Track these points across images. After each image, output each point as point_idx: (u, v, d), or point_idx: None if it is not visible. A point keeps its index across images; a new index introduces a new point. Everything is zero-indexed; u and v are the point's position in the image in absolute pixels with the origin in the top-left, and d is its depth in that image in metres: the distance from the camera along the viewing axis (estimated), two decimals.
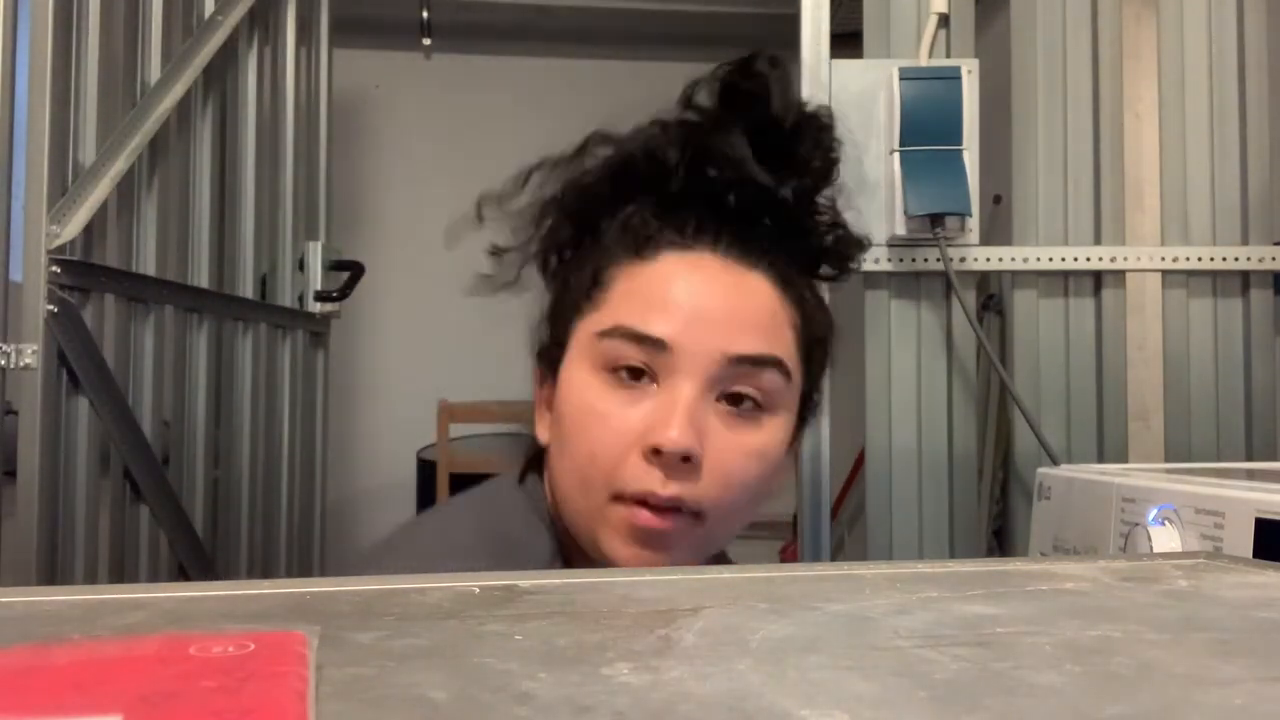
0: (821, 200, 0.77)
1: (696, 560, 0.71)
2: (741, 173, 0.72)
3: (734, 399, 0.69)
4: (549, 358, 0.76)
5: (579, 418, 0.69)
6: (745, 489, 0.69)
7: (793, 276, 0.74)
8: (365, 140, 3.56)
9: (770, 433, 0.70)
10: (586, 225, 0.76)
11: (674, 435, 0.65)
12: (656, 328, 0.68)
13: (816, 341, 0.76)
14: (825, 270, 0.79)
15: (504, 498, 0.77)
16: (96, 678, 0.28)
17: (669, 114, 0.77)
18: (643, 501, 0.66)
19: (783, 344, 0.71)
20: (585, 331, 0.71)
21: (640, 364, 0.68)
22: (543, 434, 0.76)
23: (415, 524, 0.81)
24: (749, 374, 0.69)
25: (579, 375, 0.70)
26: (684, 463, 0.66)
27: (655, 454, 0.66)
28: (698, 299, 0.69)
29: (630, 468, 0.67)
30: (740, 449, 0.69)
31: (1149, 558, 0.55)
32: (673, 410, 0.66)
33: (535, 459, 0.79)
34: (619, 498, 0.67)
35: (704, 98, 0.76)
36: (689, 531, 0.68)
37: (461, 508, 0.79)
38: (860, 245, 0.80)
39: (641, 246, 0.72)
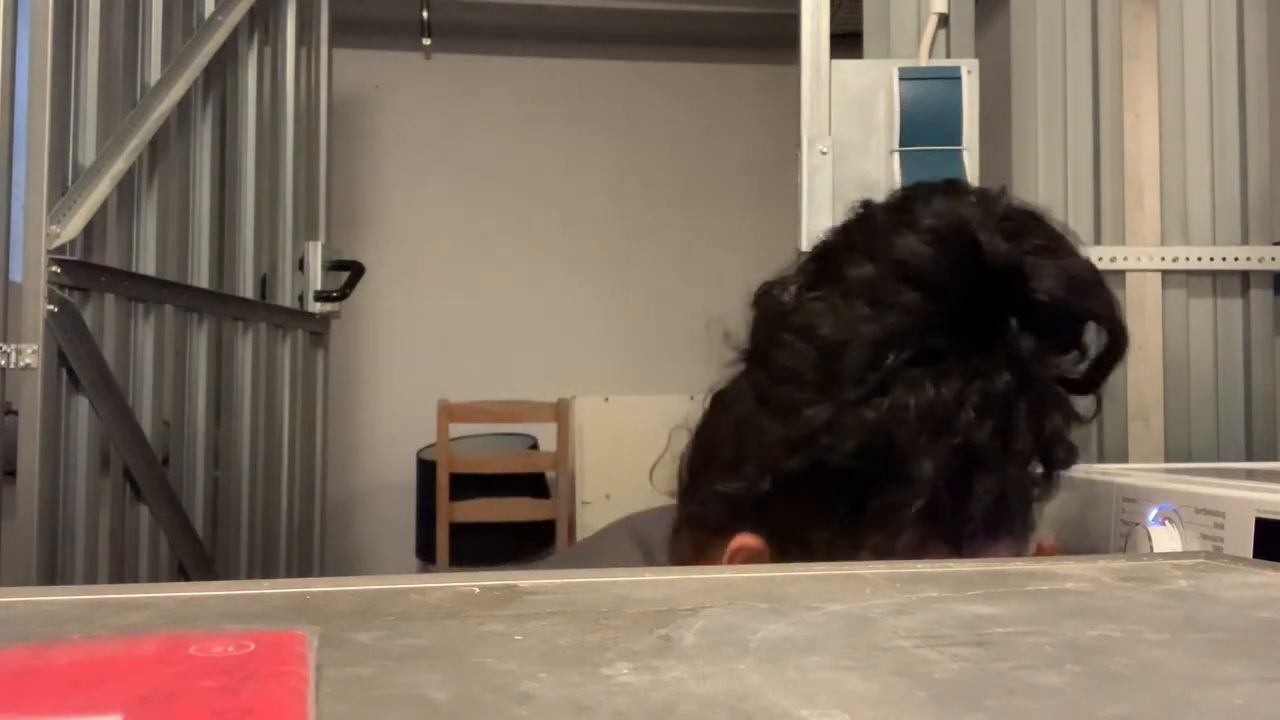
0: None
1: None
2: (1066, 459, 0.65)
3: None
4: (785, 534, 0.65)
5: None
6: None
7: None
8: (365, 140, 3.56)
9: None
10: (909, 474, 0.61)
11: None
12: None
13: None
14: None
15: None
16: (96, 678, 0.28)
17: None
18: None
19: None
20: None
21: None
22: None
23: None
24: None
25: None
26: None
27: None
28: None
29: None
30: None
31: (1149, 558, 0.54)
32: None
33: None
34: None
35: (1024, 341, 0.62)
36: None
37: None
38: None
39: (964, 548, 0.63)
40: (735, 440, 0.66)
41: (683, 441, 0.72)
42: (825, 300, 0.64)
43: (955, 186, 0.68)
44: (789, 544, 0.65)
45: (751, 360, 0.68)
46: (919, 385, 0.60)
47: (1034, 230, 0.65)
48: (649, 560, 0.73)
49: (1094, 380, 0.67)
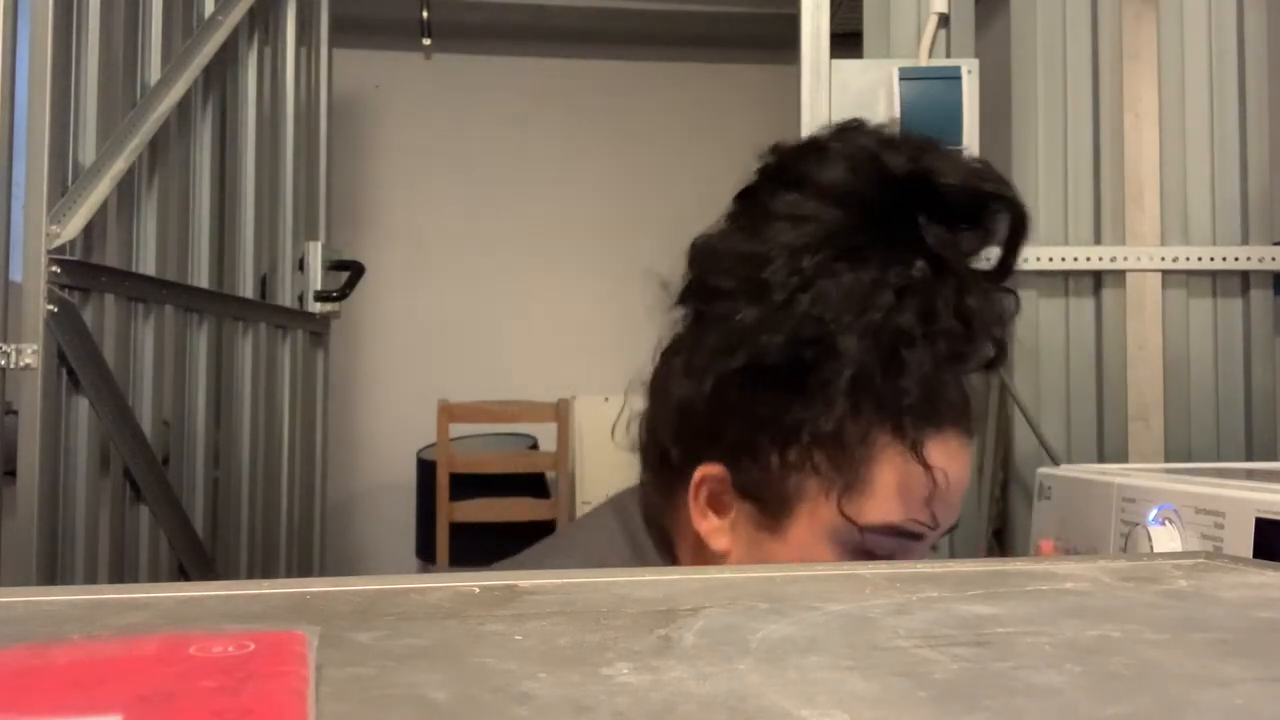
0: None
1: None
2: (1001, 328, 0.68)
3: None
4: (751, 481, 0.69)
5: None
6: None
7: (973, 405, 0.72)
8: (365, 140, 3.56)
9: None
10: (827, 357, 0.66)
11: None
12: (925, 523, 0.68)
13: None
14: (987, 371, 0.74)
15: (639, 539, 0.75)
16: (96, 678, 0.28)
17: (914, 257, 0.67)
18: None
19: None
20: (835, 508, 0.66)
21: None
22: (716, 540, 0.71)
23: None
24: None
25: (822, 547, 0.68)
26: None
27: None
28: (953, 486, 0.68)
29: None
30: None
31: (1149, 558, 0.55)
32: None
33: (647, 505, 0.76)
34: None
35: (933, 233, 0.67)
36: None
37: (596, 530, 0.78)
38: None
39: (908, 427, 0.66)
40: (682, 367, 0.71)
41: (640, 401, 0.76)
42: (748, 227, 0.71)
43: (855, 122, 0.73)
44: (743, 459, 0.69)
45: (688, 298, 0.73)
46: (839, 275, 0.66)
47: (928, 143, 0.71)
48: (626, 532, 0.75)
49: (1005, 263, 0.72)
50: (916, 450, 0.66)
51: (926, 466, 0.66)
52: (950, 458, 0.68)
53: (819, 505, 0.67)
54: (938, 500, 0.67)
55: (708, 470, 0.70)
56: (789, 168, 0.72)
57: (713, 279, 0.70)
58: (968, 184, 0.69)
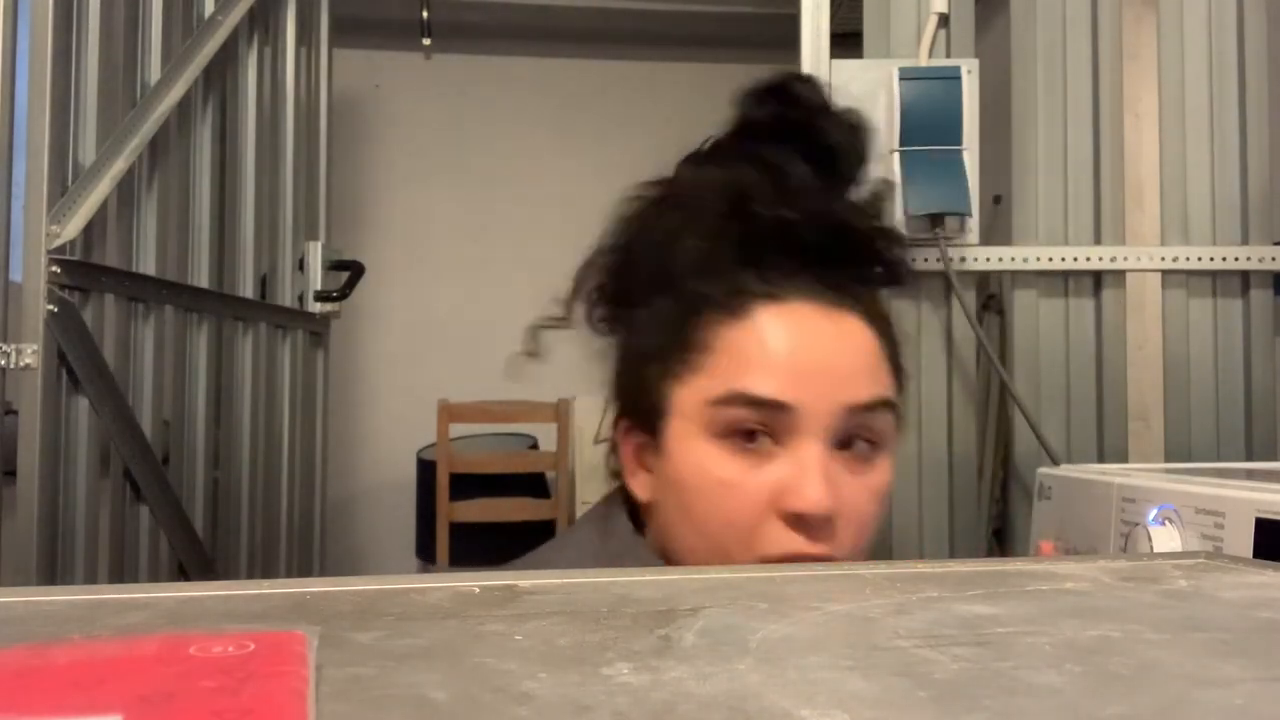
0: (878, 213, 0.77)
1: None
2: (819, 208, 0.71)
3: (847, 442, 0.69)
4: (640, 415, 0.74)
5: (705, 488, 0.68)
6: (872, 529, 0.70)
7: (871, 304, 0.74)
8: (365, 140, 3.56)
9: (885, 471, 0.71)
10: (660, 278, 0.73)
11: (816, 499, 0.65)
12: (775, 390, 0.67)
13: (899, 362, 0.75)
14: (890, 285, 0.78)
15: (618, 540, 0.76)
16: (96, 678, 0.28)
17: (718, 150, 0.76)
18: (788, 562, 0.66)
19: (886, 382, 0.71)
20: (692, 398, 0.69)
21: (757, 425, 0.67)
22: (642, 492, 0.74)
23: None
24: (865, 419, 0.69)
25: (696, 445, 0.69)
26: (824, 521, 0.66)
27: (797, 518, 0.66)
28: (808, 354, 0.68)
29: (770, 532, 0.67)
30: (866, 494, 0.69)
31: (1149, 558, 0.54)
32: (806, 473, 0.66)
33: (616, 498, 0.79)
34: (762, 560, 0.67)
35: (760, 134, 0.75)
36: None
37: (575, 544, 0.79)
38: (903, 242, 0.79)
39: (734, 303, 0.70)
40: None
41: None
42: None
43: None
44: (632, 400, 0.75)
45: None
46: (665, 209, 0.77)
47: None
48: (603, 532, 0.77)
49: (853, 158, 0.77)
50: (738, 318, 0.69)
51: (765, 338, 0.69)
52: (793, 325, 0.69)
53: (681, 404, 0.70)
54: (780, 366, 0.68)
55: (623, 429, 0.76)
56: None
57: (634, 227, 0.80)
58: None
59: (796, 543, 0.66)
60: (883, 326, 0.73)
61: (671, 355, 0.71)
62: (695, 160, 0.78)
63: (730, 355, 0.69)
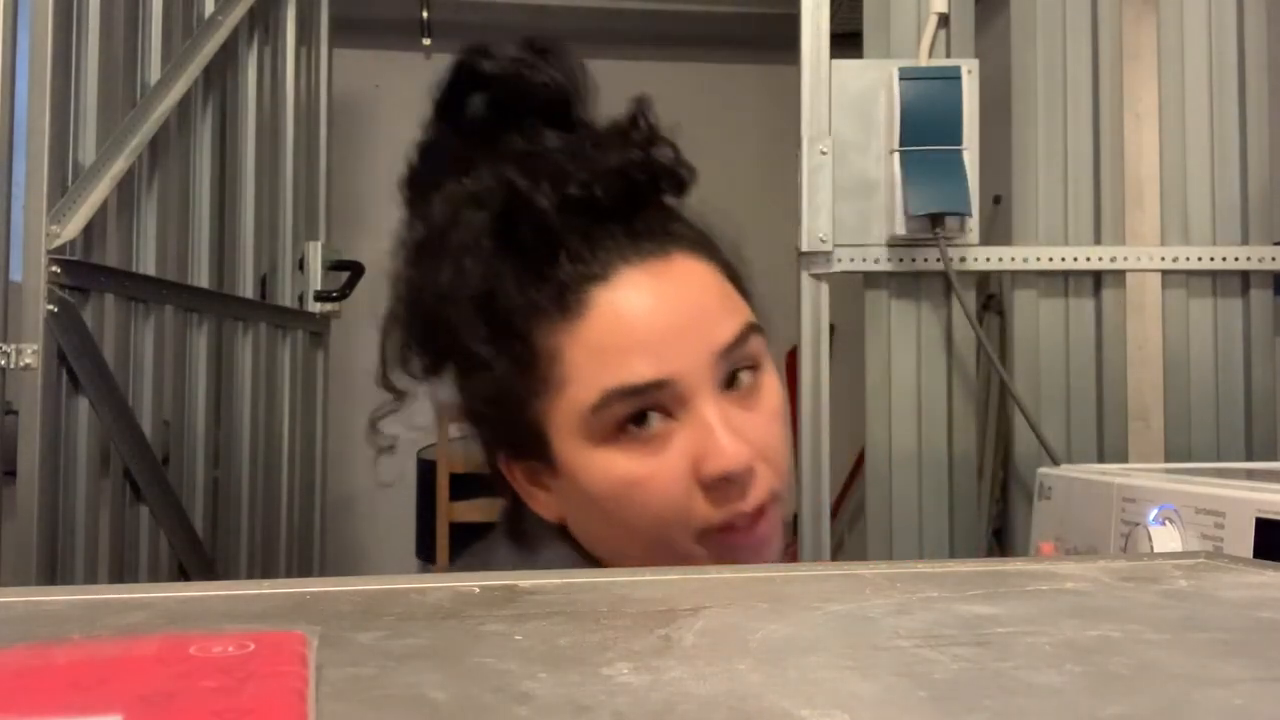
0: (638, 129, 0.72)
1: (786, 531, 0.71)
2: (592, 168, 0.67)
3: (731, 379, 0.67)
4: (517, 446, 0.70)
5: (620, 493, 0.65)
6: (788, 445, 0.69)
7: (687, 231, 0.71)
8: (365, 140, 3.56)
9: (773, 388, 0.69)
10: (470, 315, 0.67)
11: (732, 455, 0.63)
12: (645, 373, 0.63)
13: (737, 267, 0.73)
14: (680, 192, 0.73)
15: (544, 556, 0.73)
16: (96, 678, 0.28)
17: (455, 167, 0.71)
18: (731, 525, 0.65)
19: (739, 305, 0.69)
20: (566, 412, 0.65)
21: (643, 409, 0.64)
22: (549, 513, 0.71)
23: None
24: (739, 352, 0.66)
25: (593, 457, 0.65)
26: (749, 472, 0.65)
27: (722, 481, 0.64)
28: (660, 319, 0.65)
29: (701, 505, 0.65)
30: (768, 419, 0.67)
31: (1149, 558, 0.55)
32: (711, 433, 0.64)
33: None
34: (702, 535, 0.65)
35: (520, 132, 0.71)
36: (778, 516, 0.67)
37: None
38: (669, 142, 0.72)
39: (561, 301, 0.65)
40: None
41: None
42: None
43: None
44: (495, 430, 0.72)
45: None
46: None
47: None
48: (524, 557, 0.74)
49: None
50: (575, 314, 0.65)
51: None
52: (632, 297, 0.65)
53: (559, 424, 0.66)
54: (639, 344, 0.64)
55: (503, 461, 0.72)
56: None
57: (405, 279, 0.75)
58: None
59: (731, 505, 0.64)
60: (709, 250, 0.70)
61: (524, 381, 0.66)
62: (434, 187, 0.72)
63: (585, 354, 0.64)
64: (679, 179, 0.71)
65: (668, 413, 0.64)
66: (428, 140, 0.75)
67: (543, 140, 0.69)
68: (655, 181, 0.70)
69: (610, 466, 0.65)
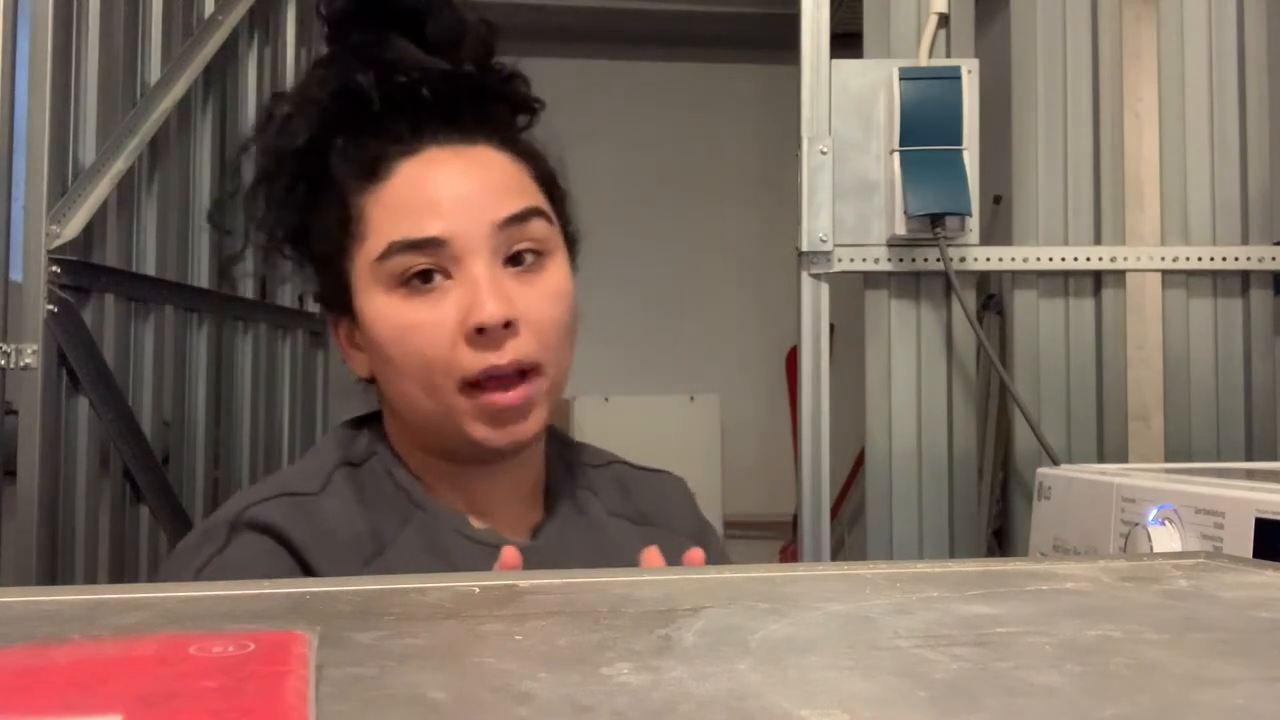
0: (496, 59, 0.83)
1: (552, 414, 0.78)
2: (421, 67, 0.77)
3: (516, 259, 0.75)
4: (332, 303, 0.81)
5: (397, 336, 0.74)
6: (561, 328, 0.77)
7: (508, 135, 0.81)
8: None
9: (558, 274, 0.77)
10: (312, 177, 0.79)
11: (490, 309, 0.71)
12: (427, 229, 0.73)
13: (553, 181, 0.83)
14: (521, 118, 0.86)
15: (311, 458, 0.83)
16: (96, 678, 0.28)
17: (323, 60, 0.82)
18: (488, 379, 0.72)
19: (532, 194, 0.78)
20: (362, 264, 0.75)
21: (426, 266, 0.73)
22: (361, 369, 0.81)
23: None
24: (519, 230, 0.75)
25: (377, 302, 0.75)
26: (506, 329, 0.72)
27: (480, 333, 0.72)
28: (448, 188, 0.75)
29: (463, 355, 0.72)
30: (543, 298, 0.75)
31: (1149, 558, 0.55)
32: (478, 290, 0.72)
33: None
34: (465, 387, 0.73)
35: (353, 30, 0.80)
36: (538, 389, 0.75)
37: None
38: (518, 75, 0.86)
39: (374, 169, 0.76)
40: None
41: None
42: None
43: None
44: (324, 285, 0.82)
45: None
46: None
47: None
48: (339, 442, 0.83)
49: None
50: (381, 179, 0.75)
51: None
52: (430, 167, 0.76)
53: (358, 274, 0.76)
54: (425, 206, 0.74)
55: (331, 323, 0.82)
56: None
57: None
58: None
59: (487, 357, 0.72)
60: (521, 152, 0.80)
61: (337, 237, 0.77)
62: (317, 64, 0.83)
63: (381, 212, 0.75)
64: (510, 96, 0.84)
65: (448, 274, 0.73)
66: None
67: (390, 42, 0.78)
68: (482, 89, 0.80)
69: (392, 313, 0.74)
